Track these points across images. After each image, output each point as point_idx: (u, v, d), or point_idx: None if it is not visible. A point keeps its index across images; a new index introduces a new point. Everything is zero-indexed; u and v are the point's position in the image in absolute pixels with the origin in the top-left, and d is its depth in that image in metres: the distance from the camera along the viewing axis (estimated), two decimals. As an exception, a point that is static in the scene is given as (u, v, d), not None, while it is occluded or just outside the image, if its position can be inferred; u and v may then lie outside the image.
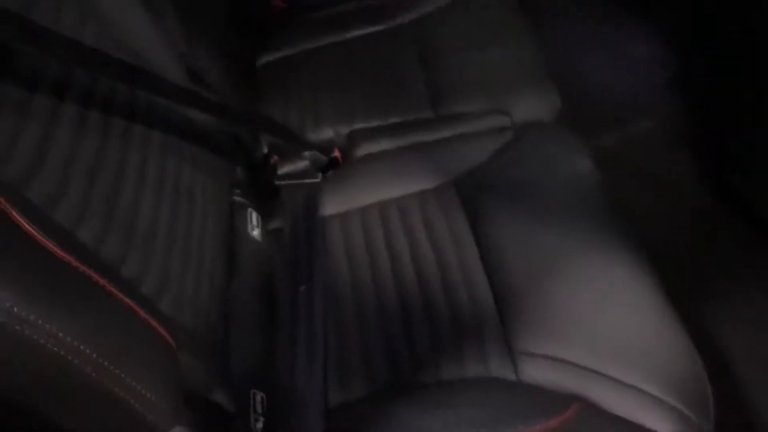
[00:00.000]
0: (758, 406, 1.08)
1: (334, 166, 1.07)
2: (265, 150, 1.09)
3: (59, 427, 0.52)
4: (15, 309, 0.45)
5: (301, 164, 1.05)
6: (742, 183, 1.30)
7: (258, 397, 0.78)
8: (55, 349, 0.48)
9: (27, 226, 0.50)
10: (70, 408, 0.53)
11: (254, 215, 0.99)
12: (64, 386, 0.51)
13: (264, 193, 1.04)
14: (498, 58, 1.16)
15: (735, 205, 1.29)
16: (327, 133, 1.12)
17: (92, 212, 0.61)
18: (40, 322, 0.46)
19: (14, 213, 0.49)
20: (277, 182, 1.04)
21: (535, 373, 0.78)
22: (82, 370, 0.49)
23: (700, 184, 1.37)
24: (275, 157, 1.06)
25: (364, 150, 1.08)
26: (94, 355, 0.50)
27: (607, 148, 1.38)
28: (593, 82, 1.50)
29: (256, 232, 0.97)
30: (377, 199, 1.00)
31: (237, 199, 0.98)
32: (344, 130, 1.12)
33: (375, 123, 1.12)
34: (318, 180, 1.05)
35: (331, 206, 1.00)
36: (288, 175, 1.05)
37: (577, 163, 0.99)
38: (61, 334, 0.47)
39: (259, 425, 0.75)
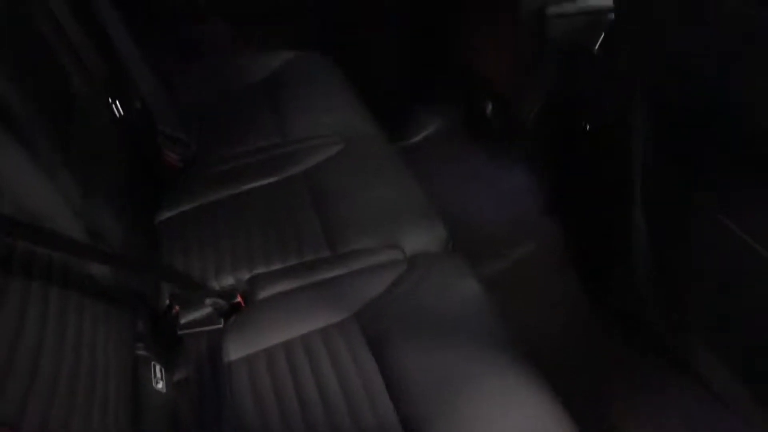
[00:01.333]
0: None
1: (237, 311, 1.09)
2: (167, 301, 1.10)
3: None
4: None
5: (203, 312, 1.06)
6: (622, 296, 1.40)
7: None
8: None
9: None
10: None
11: (158, 368, 0.98)
12: None
13: (167, 343, 1.04)
14: (386, 196, 1.26)
15: (618, 316, 1.39)
16: (228, 280, 1.15)
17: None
18: None
19: None
20: (180, 332, 1.05)
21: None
22: None
23: (583, 299, 1.47)
24: (176, 307, 1.07)
25: (266, 293, 1.11)
26: None
27: (493, 272, 1.47)
28: (476, 214, 1.63)
29: (160, 385, 0.96)
30: (282, 339, 1.02)
31: (140, 353, 0.97)
32: (245, 275, 1.15)
33: (275, 266, 1.16)
34: (221, 326, 1.06)
35: (236, 351, 1.01)
36: (190, 324, 1.06)
37: (467, 288, 1.06)
38: None
39: None
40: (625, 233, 1.36)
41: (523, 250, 1.58)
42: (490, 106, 1.75)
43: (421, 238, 1.19)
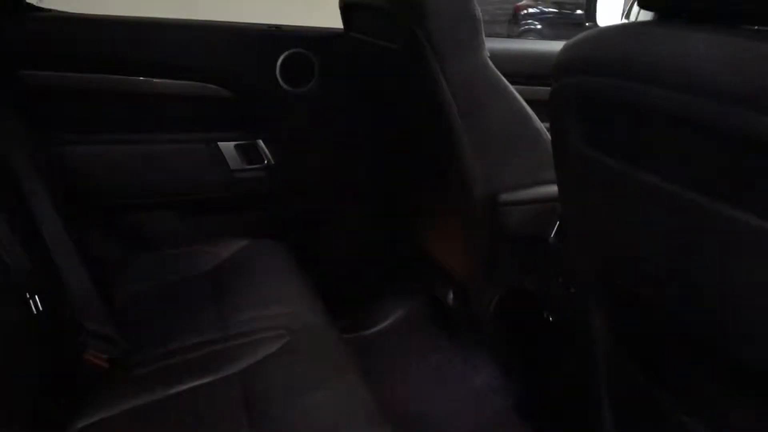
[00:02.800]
0: None
1: None
2: None
3: None
4: None
5: None
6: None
7: None
8: None
9: None
10: None
11: None
12: None
13: None
14: (327, 399, 1.13)
15: None
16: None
17: None
18: None
19: None
20: None
21: None
22: None
23: None
24: None
25: None
26: None
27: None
28: (438, 417, 1.48)
29: None
30: None
31: None
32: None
33: (194, 487, 1.00)
34: None
35: None
36: None
37: None
38: None
39: None
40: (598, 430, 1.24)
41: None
42: (451, 296, 1.67)
43: (367, 449, 1.05)
